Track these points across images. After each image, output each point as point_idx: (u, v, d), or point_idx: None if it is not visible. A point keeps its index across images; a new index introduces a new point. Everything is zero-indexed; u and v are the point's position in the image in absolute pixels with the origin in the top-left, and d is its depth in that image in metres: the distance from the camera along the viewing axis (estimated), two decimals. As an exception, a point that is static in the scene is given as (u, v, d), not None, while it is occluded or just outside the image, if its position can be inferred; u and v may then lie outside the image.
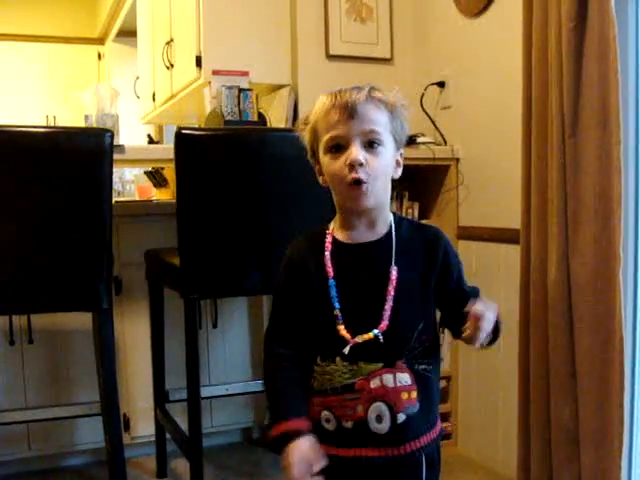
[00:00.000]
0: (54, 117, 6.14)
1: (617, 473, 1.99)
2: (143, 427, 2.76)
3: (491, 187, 2.64)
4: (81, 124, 2.59)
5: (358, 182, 1.31)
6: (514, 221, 2.34)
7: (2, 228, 1.97)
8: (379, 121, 1.34)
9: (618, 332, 1.96)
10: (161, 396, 2.63)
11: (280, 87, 3.11)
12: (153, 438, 2.68)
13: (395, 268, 1.37)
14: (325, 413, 1.37)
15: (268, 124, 2.98)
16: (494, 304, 1.30)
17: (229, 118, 2.80)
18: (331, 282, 1.36)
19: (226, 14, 3.02)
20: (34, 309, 2.17)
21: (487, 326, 1.25)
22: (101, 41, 6.47)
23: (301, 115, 2.97)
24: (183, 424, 2.32)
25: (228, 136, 2.21)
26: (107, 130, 2.05)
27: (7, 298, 2.01)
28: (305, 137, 1.42)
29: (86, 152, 2.00)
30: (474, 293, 1.43)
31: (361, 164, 1.30)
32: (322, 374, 1.37)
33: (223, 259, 2.15)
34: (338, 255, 1.39)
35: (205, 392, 2.64)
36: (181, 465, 2.65)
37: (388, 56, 3.12)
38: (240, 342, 2.92)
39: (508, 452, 2.46)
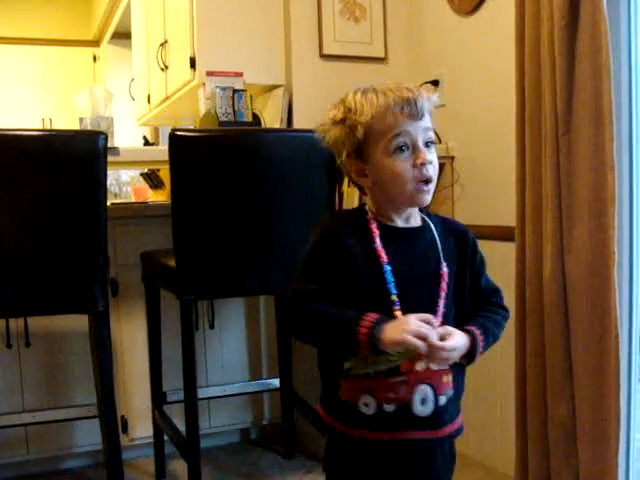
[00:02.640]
0: (50, 119, 6.14)
1: (615, 469, 1.99)
2: (141, 429, 2.77)
3: (486, 185, 2.64)
4: (77, 126, 2.59)
5: (429, 181, 1.36)
6: (509, 219, 2.34)
7: (-3, 231, 1.97)
8: (430, 121, 1.39)
9: (613, 329, 1.97)
10: (159, 398, 2.63)
11: (274, 87, 3.11)
12: (151, 440, 2.68)
13: (444, 264, 1.40)
14: (365, 397, 1.35)
15: (263, 124, 2.98)
16: (463, 342, 1.35)
17: (224, 119, 2.80)
18: (386, 268, 1.34)
19: (219, 15, 3.02)
20: (30, 312, 2.17)
21: (442, 357, 1.31)
22: (96, 43, 6.48)
23: (296, 115, 2.98)
24: (181, 425, 2.32)
25: (222, 137, 2.22)
26: (101, 132, 2.05)
27: (3, 301, 2.01)
28: (341, 136, 1.38)
29: (80, 155, 2.00)
30: (490, 297, 1.51)
31: (430, 163, 1.35)
32: (364, 358, 1.32)
33: (219, 260, 2.15)
34: (386, 239, 1.38)
35: (203, 393, 2.66)
36: (179, 466, 2.64)
37: (382, 55, 3.12)
38: (237, 343, 2.93)
39: (506, 450, 2.46)
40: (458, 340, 1.33)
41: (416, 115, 1.35)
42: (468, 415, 2.74)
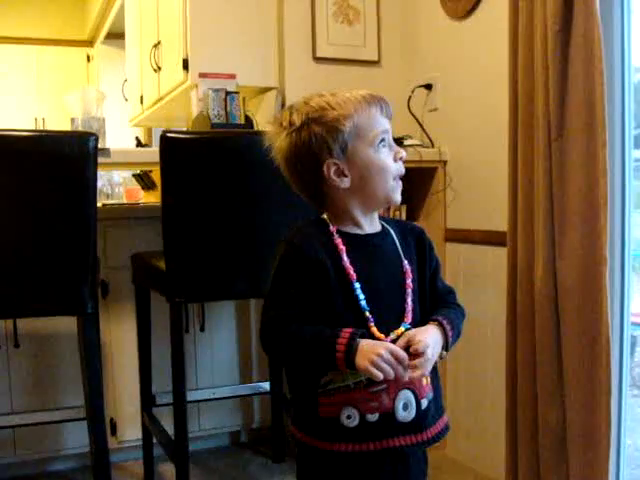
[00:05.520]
0: (43, 119, 6.12)
1: (605, 476, 1.99)
2: (130, 431, 2.75)
3: (478, 189, 2.64)
4: (69, 127, 2.58)
5: (402, 177, 1.39)
6: (501, 223, 2.34)
7: (-15, 232, 1.95)
8: None
9: (605, 334, 1.96)
10: (148, 400, 2.61)
11: (267, 90, 3.10)
12: (140, 442, 2.66)
13: (406, 262, 1.40)
14: (347, 410, 1.33)
15: (255, 127, 2.97)
16: (437, 336, 1.35)
17: (216, 121, 2.79)
18: (356, 285, 1.33)
19: (213, 17, 3.01)
20: (19, 313, 2.16)
21: (427, 366, 1.30)
22: (90, 43, 6.45)
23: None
24: (170, 428, 2.31)
25: (213, 139, 2.20)
26: (91, 134, 2.03)
27: (-8, 302, 2.00)
28: (320, 135, 1.32)
29: (70, 156, 1.98)
30: (447, 297, 1.50)
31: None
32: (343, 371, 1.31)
33: (209, 263, 2.14)
34: (350, 250, 1.36)
35: (192, 396, 2.64)
36: (168, 469, 2.63)
37: (375, 58, 3.12)
38: (228, 346, 2.91)
39: (496, 455, 2.45)
40: (429, 337, 1.32)
41: (390, 115, 1.37)
42: (459, 420, 2.75)
